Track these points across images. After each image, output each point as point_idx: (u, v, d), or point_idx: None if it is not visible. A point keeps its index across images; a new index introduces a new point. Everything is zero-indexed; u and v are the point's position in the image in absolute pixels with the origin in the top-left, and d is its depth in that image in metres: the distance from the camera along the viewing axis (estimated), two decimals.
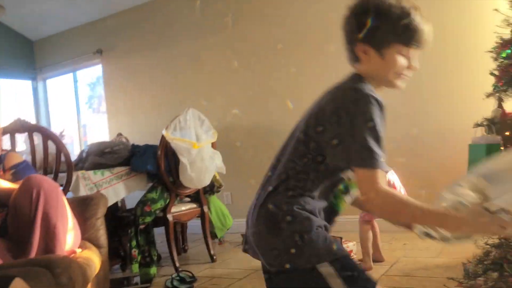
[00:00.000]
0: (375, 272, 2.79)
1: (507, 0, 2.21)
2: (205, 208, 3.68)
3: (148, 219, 3.30)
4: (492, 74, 2.18)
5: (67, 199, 2.28)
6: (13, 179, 2.21)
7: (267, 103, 4.62)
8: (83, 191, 2.97)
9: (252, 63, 4.68)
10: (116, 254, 3.54)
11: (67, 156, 2.87)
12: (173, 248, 3.40)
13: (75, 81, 6.21)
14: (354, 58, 1.31)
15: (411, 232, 1.33)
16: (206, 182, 3.48)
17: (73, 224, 2.23)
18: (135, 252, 3.25)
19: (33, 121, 4.13)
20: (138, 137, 4.62)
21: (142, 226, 3.31)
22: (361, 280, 1.16)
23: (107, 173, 3.21)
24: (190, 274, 3.14)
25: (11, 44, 6.10)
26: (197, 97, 4.94)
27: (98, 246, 2.42)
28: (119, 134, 4.72)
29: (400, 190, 2.83)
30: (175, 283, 3.00)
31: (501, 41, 2.13)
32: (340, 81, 1.33)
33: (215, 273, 3.31)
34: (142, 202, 3.31)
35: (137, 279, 3.19)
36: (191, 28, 5.05)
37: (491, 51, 2.18)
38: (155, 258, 3.37)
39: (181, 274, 3.11)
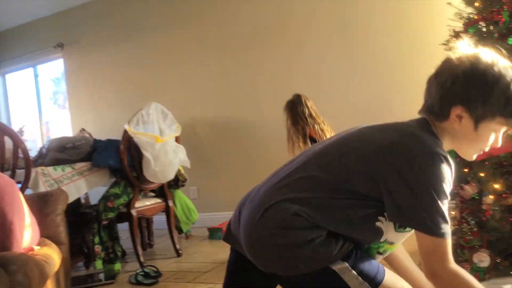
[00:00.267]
0: None
1: None
2: (170, 203, 3.66)
3: (111, 215, 3.26)
4: None
5: (25, 195, 2.23)
6: None
7: (231, 96, 4.62)
8: (43, 188, 2.90)
9: (217, 56, 4.67)
10: (80, 251, 3.49)
11: (25, 152, 2.80)
12: (138, 243, 3.37)
13: (36, 76, 6.05)
14: (442, 114, 1.19)
15: None
16: (170, 176, 3.46)
17: (31, 221, 2.18)
18: (98, 248, 3.21)
19: None
20: (102, 132, 4.55)
21: (105, 222, 3.26)
22: (372, 269, 1.13)
23: (68, 168, 3.15)
24: (155, 269, 3.12)
25: None
26: (161, 91, 4.90)
27: (58, 243, 2.37)
28: (82, 130, 4.64)
29: None
30: (139, 278, 2.98)
31: (454, 34, 2.18)
32: (406, 124, 1.23)
33: (180, 267, 3.30)
34: (105, 198, 3.26)
35: (101, 276, 3.16)
36: (154, 21, 4.99)
37: (444, 44, 2.24)
38: (119, 254, 3.33)
39: (146, 269, 3.09)
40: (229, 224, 1.35)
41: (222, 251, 3.59)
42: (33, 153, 3.42)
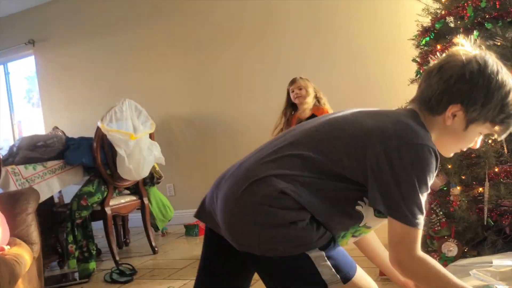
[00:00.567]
0: None
1: None
2: (145, 200, 3.64)
3: (85, 213, 3.23)
4: (414, 60, 2.28)
5: None
6: None
7: (206, 92, 4.61)
8: (14, 187, 2.86)
9: (191, 52, 4.65)
10: (53, 250, 3.44)
11: None
12: (113, 241, 3.35)
13: (7, 74, 5.92)
14: (438, 108, 1.19)
15: None
16: (145, 173, 3.44)
17: (1, 220, 2.15)
18: (72, 247, 3.17)
19: None
20: (75, 130, 4.48)
21: (79, 221, 3.23)
22: (345, 263, 1.13)
23: (39, 167, 3.11)
24: (130, 267, 3.10)
25: None
26: (134, 87, 4.85)
27: (29, 242, 2.35)
28: (55, 128, 4.56)
29: None
30: (114, 276, 2.96)
31: (422, 29, 2.23)
32: (398, 113, 1.22)
33: (156, 264, 3.29)
34: (78, 196, 3.23)
35: (75, 275, 3.12)
36: (127, 17, 4.93)
37: (413, 39, 2.28)
38: (94, 252, 3.30)
39: (121, 267, 3.07)
40: (203, 200, 1.31)
41: (198, 248, 3.57)
42: (4, 152, 3.36)
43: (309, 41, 4.12)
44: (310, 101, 3.17)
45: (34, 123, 5.89)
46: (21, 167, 3.00)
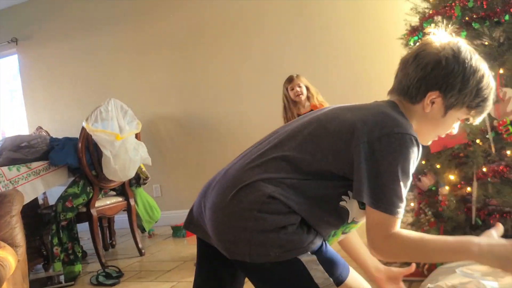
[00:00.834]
0: None
1: None
2: (132, 201, 3.60)
3: (70, 215, 3.18)
4: None
5: None
6: None
7: (193, 92, 4.58)
8: None
9: (177, 51, 4.61)
10: (38, 253, 3.39)
11: None
12: (99, 243, 3.30)
13: None
14: (417, 96, 1.20)
15: None
16: (131, 174, 3.40)
17: None
18: (57, 250, 3.12)
19: None
20: (59, 130, 4.43)
21: (64, 223, 3.17)
22: (337, 266, 1.13)
23: (23, 168, 3.04)
24: (117, 269, 3.07)
25: None
26: (120, 86, 4.80)
27: (13, 245, 2.30)
28: (39, 128, 4.50)
29: None
30: (101, 279, 2.92)
31: (410, 28, 2.23)
32: (378, 104, 1.23)
33: (143, 266, 3.26)
34: (63, 198, 3.17)
35: (61, 278, 3.08)
36: (112, 15, 4.87)
37: (401, 38, 2.28)
38: (79, 255, 3.25)
39: (107, 270, 3.03)
40: (190, 210, 1.29)
41: (185, 249, 3.57)
42: None
43: (298, 40, 4.12)
44: (314, 93, 3.24)
45: (17, 123, 5.79)
46: (5, 169, 2.94)
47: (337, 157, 1.12)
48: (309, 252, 1.09)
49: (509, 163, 1.96)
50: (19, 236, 2.37)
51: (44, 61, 5.25)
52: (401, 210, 1.09)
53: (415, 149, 1.10)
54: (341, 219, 1.19)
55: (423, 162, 2.19)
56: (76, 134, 3.36)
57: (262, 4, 4.23)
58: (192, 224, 1.27)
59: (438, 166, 2.11)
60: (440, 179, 2.10)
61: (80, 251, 3.31)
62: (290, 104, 3.25)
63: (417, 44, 1.26)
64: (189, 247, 3.64)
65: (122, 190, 3.59)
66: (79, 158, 3.20)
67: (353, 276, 1.15)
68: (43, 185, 3.13)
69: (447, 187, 2.06)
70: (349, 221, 1.21)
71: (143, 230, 3.91)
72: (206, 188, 1.24)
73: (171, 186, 4.70)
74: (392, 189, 1.08)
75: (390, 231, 1.09)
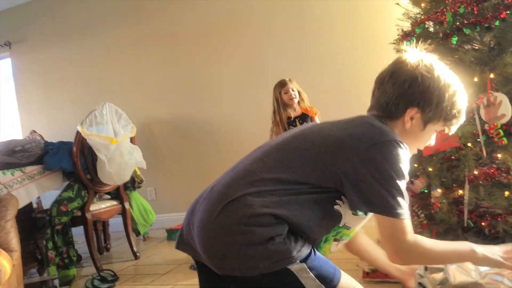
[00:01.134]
0: None
1: None
2: (126, 205, 3.60)
3: (65, 219, 3.18)
4: None
5: None
6: None
7: (187, 95, 4.59)
8: None
9: (172, 54, 4.62)
10: (33, 257, 3.38)
11: None
12: (93, 247, 3.30)
13: None
14: (396, 113, 1.24)
15: None
16: (126, 178, 3.40)
17: None
18: (52, 254, 3.12)
19: None
20: (54, 134, 4.43)
21: (59, 227, 3.17)
22: (329, 271, 1.15)
23: (18, 172, 3.04)
24: (112, 273, 3.07)
25: None
26: (114, 90, 4.81)
27: (8, 250, 2.30)
28: (33, 132, 4.49)
29: None
30: (96, 283, 2.92)
31: (402, 33, 2.26)
32: (361, 116, 1.27)
33: (138, 270, 3.26)
34: (58, 202, 3.17)
35: (55, 282, 3.07)
36: (105, 19, 4.88)
37: (394, 43, 2.31)
38: (74, 259, 3.24)
39: (102, 274, 3.03)
40: (181, 229, 1.30)
41: (180, 252, 3.55)
42: None
43: (291, 44, 4.14)
44: (304, 98, 3.29)
45: (10, 127, 5.76)
46: None
47: (324, 170, 1.14)
48: (298, 261, 1.10)
49: (500, 166, 1.99)
50: (14, 240, 2.37)
51: (38, 64, 5.25)
52: (404, 211, 1.12)
53: (402, 151, 1.14)
54: (333, 222, 1.22)
55: (416, 165, 2.22)
56: (70, 138, 3.36)
57: (256, 8, 4.25)
58: (182, 243, 1.28)
59: (430, 169, 2.14)
60: (432, 182, 2.13)
61: (75, 255, 3.31)
62: (281, 108, 3.27)
63: (391, 62, 1.29)
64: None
65: (117, 194, 3.59)
66: (74, 162, 3.20)
67: (345, 279, 1.17)
68: (38, 190, 3.13)
69: (439, 190, 2.09)
70: (340, 225, 1.23)
71: (137, 233, 3.92)
72: (194, 206, 1.26)
73: (166, 189, 4.71)
74: (391, 194, 1.10)
75: (405, 236, 1.12)
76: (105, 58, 4.92)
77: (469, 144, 2.04)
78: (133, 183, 3.74)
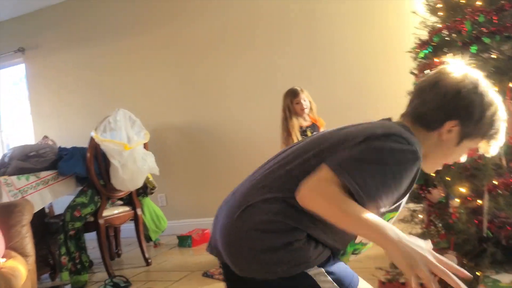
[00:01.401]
0: None
1: (424, 2, 2.34)
2: (139, 211, 3.60)
3: (78, 225, 3.18)
4: (412, 73, 2.31)
5: None
6: None
7: (199, 101, 4.60)
8: (6, 198, 2.81)
9: (185, 60, 4.64)
10: (45, 262, 3.39)
11: None
12: (106, 253, 3.30)
13: None
14: (435, 123, 1.21)
15: None
16: (139, 184, 3.41)
17: None
18: (64, 259, 3.12)
19: None
20: (66, 139, 4.44)
21: (72, 232, 3.18)
22: (347, 276, 1.14)
23: (32, 178, 3.06)
24: (124, 279, 3.06)
25: None
26: (127, 96, 4.83)
27: (24, 254, 2.31)
28: (45, 137, 4.51)
29: None
30: None
31: (419, 42, 2.25)
32: (378, 121, 1.25)
33: (150, 276, 3.25)
34: (71, 207, 3.18)
35: (67, 287, 3.08)
36: (118, 25, 4.92)
37: (410, 52, 2.30)
38: (86, 264, 3.25)
39: (115, 280, 3.03)
40: (211, 233, 1.31)
41: (192, 259, 3.57)
42: None
43: (306, 52, 4.15)
44: (314, 108, 3.33)
45: (23, 132, 5.80)
46: (14, 178, 2.95)
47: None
48: (316, 266, 1.10)
49: None
50: (29, 245, 2.39)
51: (51, 70, 5.29)
52: (374, 196, 1.03)
53: (415, 167, 1.08)
54: (347, 238, 1.20)
55: (433, 174, 2.20)
56: (82, 143, 3.38)
57: (266, 14, 4.26)
58: (210, 246, 1.29)
59: (448, 179, 2.12)
60: (450, 191, 2.11)
61: (87, 261, 3.31)
62: (292, 116, 3.26)
63: (433, 72, 1.27)
64: (195, 257, 3.64)
65: (129, 200, 3.59)
66: (87, 167, 3.21)
67: (363, 286, 1.17)
68: (51, 195, 3.14)
69: (457, 200, 2.07)
70: (356, 242, 1.22)
71: (149, 239, 3.92)
72: (219, 210, 1.28)
73: (177, 196, 4.71)
74: (378, 181, 1.04)
75: (322, 187, 1.04)
76: (117, 65, 4.94)
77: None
78: (145, 189, 3.75)
